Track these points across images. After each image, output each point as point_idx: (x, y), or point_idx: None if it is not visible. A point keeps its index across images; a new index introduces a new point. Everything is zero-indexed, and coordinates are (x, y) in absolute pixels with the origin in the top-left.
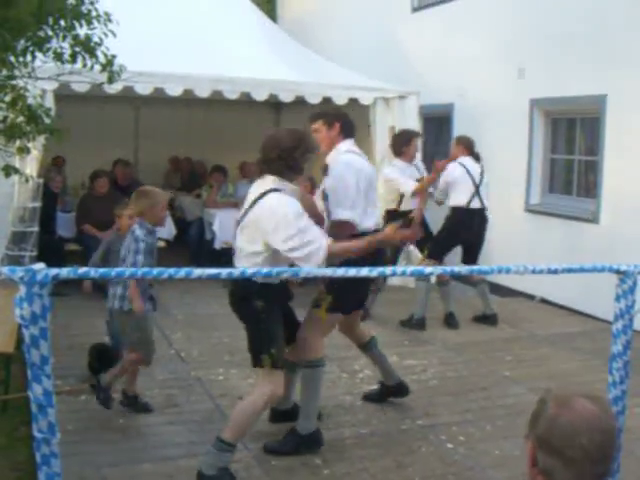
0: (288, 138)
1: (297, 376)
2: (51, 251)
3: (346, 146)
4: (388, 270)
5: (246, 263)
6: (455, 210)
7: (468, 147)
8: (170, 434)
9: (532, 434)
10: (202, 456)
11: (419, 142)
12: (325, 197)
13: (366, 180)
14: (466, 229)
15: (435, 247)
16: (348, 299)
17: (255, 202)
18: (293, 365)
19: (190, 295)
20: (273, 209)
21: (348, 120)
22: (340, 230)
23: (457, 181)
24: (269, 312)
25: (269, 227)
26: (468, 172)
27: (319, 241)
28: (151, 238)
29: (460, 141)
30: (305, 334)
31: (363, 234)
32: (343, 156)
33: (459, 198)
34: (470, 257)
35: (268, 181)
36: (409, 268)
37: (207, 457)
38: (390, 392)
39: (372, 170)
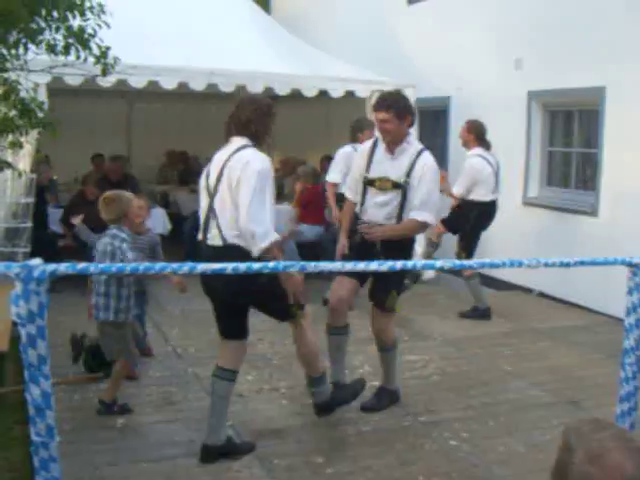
0: (263, 104)
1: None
2: (45, 247)
3: (416, 141)
4: (398, 264)
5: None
6: (480, 205)
7: (480, 136)
8: (168, 432)
9: None
10: (315, 397)
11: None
12: (401, 187)
13: None
14: (489, 220)
15: (469, 243)
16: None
17: (231, 156)
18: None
19: None
20: (249, 160)
21: (414, 113)
22: (420, 230)
23: (484, 178)
24: (274, 275)
25: (242, 176)
26: (491, 166)
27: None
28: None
29: (472, 129)
30: (383, 327)
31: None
32: (429, 154)
33: (484, 193)
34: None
35: (238, 141)
36: (419, 262)
37: (320, 396)
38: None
39: None
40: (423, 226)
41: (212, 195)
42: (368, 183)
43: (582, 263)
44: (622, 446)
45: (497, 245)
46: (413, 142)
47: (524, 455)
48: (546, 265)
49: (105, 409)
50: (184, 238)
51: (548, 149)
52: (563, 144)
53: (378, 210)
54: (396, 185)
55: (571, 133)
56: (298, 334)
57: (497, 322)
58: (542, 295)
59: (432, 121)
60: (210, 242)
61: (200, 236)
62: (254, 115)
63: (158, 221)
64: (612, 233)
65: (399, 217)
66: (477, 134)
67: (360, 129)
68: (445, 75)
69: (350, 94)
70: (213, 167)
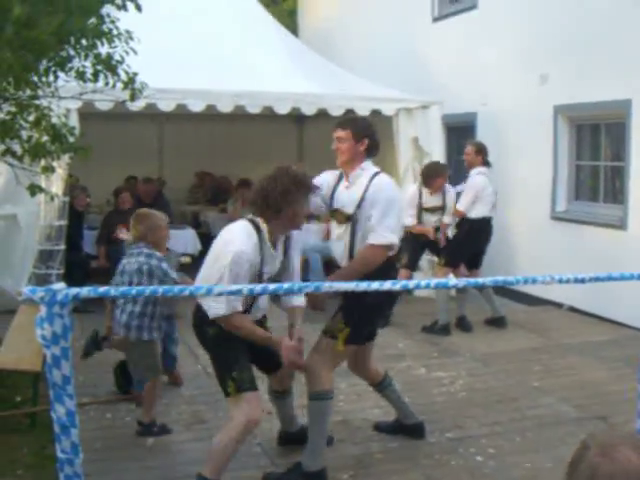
0: (277, 187)
1: (290, 400)
2: (77, 269)
3: (371, 166)
4: (411, 284)
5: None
6: (476, 221)
7: (485, 156)
8: (197, 451)
9: (571, 479)
10: None
11: (447, 175)
12: (351, 219)
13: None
14: (483, 237)
15: (452, 255)
16: (364, 330)
17: None
18: (280, 393)
19: None
20: (224, 239)
21: (375, 139)
22: (380, 255)
23: (485, 195)
24: (223, 338)
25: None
26: (492, 185)
27: (226, 305)
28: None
29: (480, 150)
30: (314, 364)
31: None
32: (384, 176)
33: (483, 210)
34: (475, 262)
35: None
36: (434, 280)
37: None
38: (405, 430)
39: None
40: (379, 250)
41: None
42: (331, 215)
43: (597, 279)
44: (633, 444)
45: (526, 260)
46: (369, 169)
47: (551, 471)
48: (560, 281)
49: (144, 430)
50: None
51: (575, 163)
52: (590, 157)
53: (336, 245)
54: (348, 218)
55: (598, 146)
56: (230, 420)
57: (526, 337)
58: (572, 310)
59: (458, 137)
60: None
61: None
62: (260, 199)
63: (189, 241)
64: None
65: (350, 256)
66: (484, 155)
67: (435, 174)
68: (471, 91)
69: (376, 113)
70: None
